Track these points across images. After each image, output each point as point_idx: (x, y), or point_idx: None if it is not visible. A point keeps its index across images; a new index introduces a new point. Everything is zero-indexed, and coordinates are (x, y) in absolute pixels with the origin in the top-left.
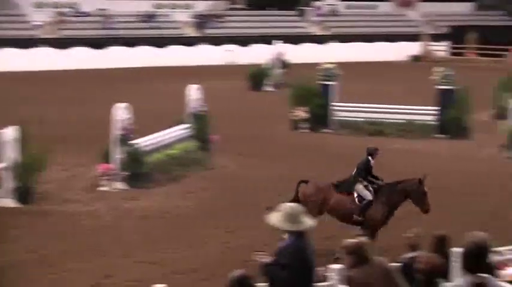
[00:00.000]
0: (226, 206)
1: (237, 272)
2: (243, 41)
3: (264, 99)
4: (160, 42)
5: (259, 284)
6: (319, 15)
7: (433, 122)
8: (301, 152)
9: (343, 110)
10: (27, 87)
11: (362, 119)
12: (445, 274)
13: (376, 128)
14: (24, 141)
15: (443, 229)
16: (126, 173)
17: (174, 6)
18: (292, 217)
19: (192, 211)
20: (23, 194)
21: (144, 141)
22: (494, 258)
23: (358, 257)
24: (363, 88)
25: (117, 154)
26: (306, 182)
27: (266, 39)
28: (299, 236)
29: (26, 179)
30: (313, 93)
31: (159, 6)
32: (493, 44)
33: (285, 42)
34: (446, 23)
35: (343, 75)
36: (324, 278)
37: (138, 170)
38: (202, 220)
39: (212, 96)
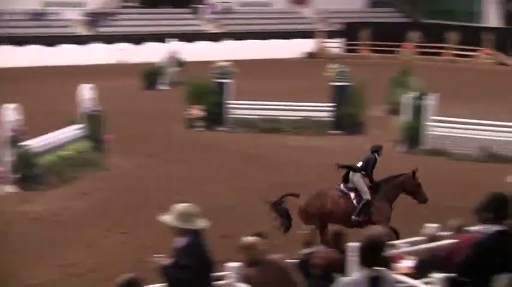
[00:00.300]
0: (122, 207)
1: (126, 276)
2: (136, 39)
3: (159, 98)
4: (50, 41)
5: (154, 285)
6: (213, 13)
7: (328, 118)
8: (197, 151)
9: (239, 108)
10: None
11: (258, 117)
12: (341, 269)
13: (271, 126)
14: None
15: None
16: (18, 176)
17: (64, 4)
18: (186, 216)
19: (87, 212)
20: None
21: (35, 143)
22: (390, 251)
23: (252, 256)
24: (258, 86)
25: (8, 156)
26: (295, 195)
27: (160, 38)
28: (195, 235)
29: None
30: (208, 91)
31: (48, 5)
32: (386, 40)
33: (179, 40)
34: (340, 20)
35: (238, 73)
36: None
37: (30, 172)
38: (97, 221)
39: (105, 96)
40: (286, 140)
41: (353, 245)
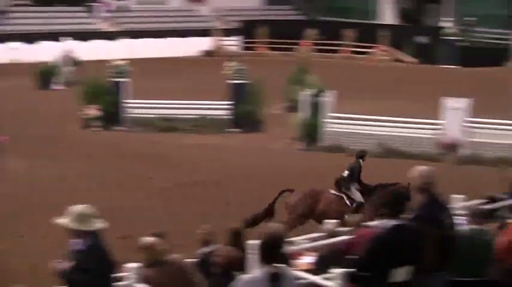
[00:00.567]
0: (16, 209)
1: None
2: (30, 38)
3: (53, 98)
4: None
5: None
6: (108, 11)
7: (226, 117)
8: (93, 151)
9: (136, 107)
10: None
11: (155, 116)
12: (241, 267)
13: (169, 124)
14: None
15: (238, 222)
16: None
17: None
18: (82, 218)
19: None
20: None
21: None
22: (289, 248)
23: (151, 256)
24: (155, 84)
25: None
26: (291, 191)
27: (54, 36)
28: (93, 237)
29: None
30: (104, 90)
31: None
32: (283, 38)
33: (74, 39)
34: (237, 17)
35: (135, 71)
36: None
37: None
38: None
39: None
40: (184, 139)
41: (252, 243)
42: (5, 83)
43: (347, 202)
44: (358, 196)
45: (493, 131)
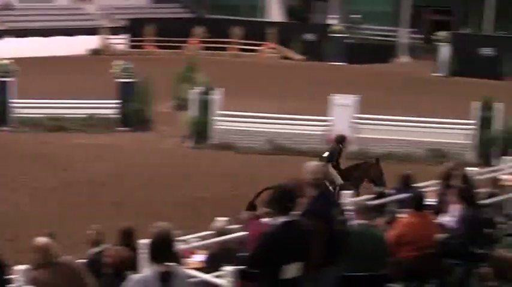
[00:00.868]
0: None
1: None
2: None
3: None
4: None
5: None
6: None
7: (115, 115)
8: None
9: (23, 107)
10: None
11: (43, 116)
12: (133, 266)
13: (57, 124)
14: None
15: (128, 222)
16: None
17: None
18: None
19: None
20: None
21: None
22: (180, 247)
23: (42, 257)
24: (42, 84)
25: None
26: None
27: None
28: None
29: None
30: None
31: None
32: (171, 36)
33: None
34: (124, 16)
35: (21, 71)
36: None
37: None
38: None
39: None
40: (72, 138)
41: (143, 242)
42: None
43: (330, 187)
44: (338, 179)
45: (380, 127)
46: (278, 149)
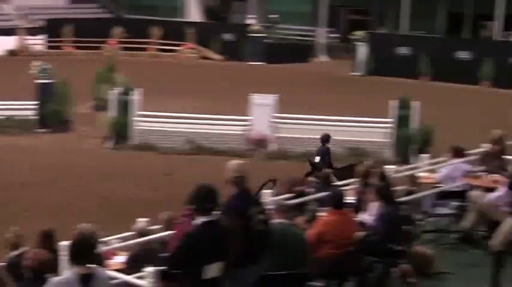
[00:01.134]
0: None
1: None
2: None
3: None
4: None
5: None
6: None
7: (33, 117)
8: None
9: None
10: None
11: None
12: (53, 269)
13: None
14: None
15: (47, 223)
16: None
17: None
18: None
19: None
20: None
21: None
22: (102, 248)
23: None
24: None
25: None
26: (273, 181)
27: None
28: None
29: None
30: None
31: None
32: (89, 36)
33: None
34: (42, 16)
35: None
36: None
37: None
38: None
39: None
40: None
41: (64, 244)
42: None
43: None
44: (333, 179)
45: (299, 126)
46: (198, 149)
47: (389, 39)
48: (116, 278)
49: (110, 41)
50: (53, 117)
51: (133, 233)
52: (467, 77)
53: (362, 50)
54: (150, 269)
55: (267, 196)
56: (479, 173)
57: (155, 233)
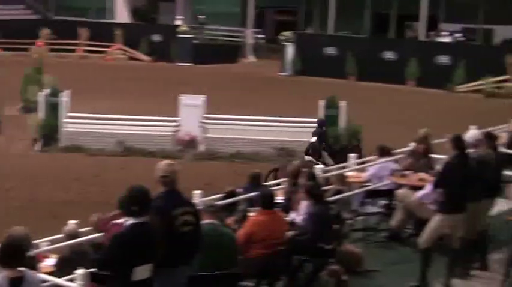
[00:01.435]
0: None
1: None
2: None
3: None
4: None
5: None
6: None
7: None
8: None
9: None
10: None
11: None
12: None
13: None
14: None
15: None
16: None
17: None
18: None
19: None
20: None
21: None
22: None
23: None
24: None
25: None
26: (276, 170)
27: None
28: None
29: None
30: None
31: None
32: (17, 38)
33: None
34: None
35: None
36: None
37: None
38: None
39: None
40: None
41: None
42: None
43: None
44: (330, 161)
45: (228, 127)
46: (128, 150)
47: (316, 39)
48: (46, 281)
49: (37, 42)
50: None
51: (63, 235)
52: (393, 76)
53: (289, 51)
54: (80, 271)
55: (196, 198)
56: (405, 172)
57: (85, 235)
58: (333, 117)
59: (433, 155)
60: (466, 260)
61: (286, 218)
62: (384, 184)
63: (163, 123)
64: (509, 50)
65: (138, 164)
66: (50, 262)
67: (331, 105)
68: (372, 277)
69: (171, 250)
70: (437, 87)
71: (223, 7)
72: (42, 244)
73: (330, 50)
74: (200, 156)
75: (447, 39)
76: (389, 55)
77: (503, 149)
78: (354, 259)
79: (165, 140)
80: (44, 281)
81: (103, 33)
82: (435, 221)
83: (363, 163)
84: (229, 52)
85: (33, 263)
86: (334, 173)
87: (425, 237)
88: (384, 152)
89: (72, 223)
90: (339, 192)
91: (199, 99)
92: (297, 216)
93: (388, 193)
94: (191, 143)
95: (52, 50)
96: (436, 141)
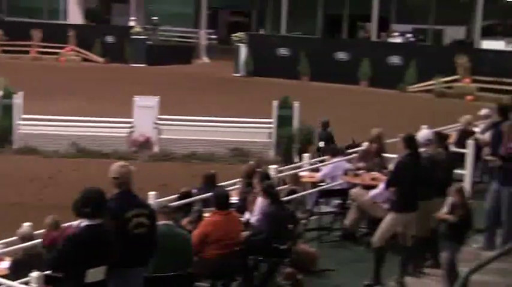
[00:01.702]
0: None
1: None
2: None
3: None
4: None
5: None
6: None
7: None
8: None
9: None
10: None
11: None
12: None
13: None
14: None
15: None
16: None
17: None
18: None
19: None
20: None
21: None
22: None
23: None
24: None
25: None
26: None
27: None
28: None
29: None
30: None
31: None
32: None
33: None
34: None
35: None
36: None
37: None
38: None
39: None
40: None
41: None
42: None
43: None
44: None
45: (183, 128)
46: (82, 152)
47: (269, 40)
48: (1, 284)
49: None
50: None
51: (18, 238)
52: (346, 77)
53: (242, 51)
54: (35, 274)
55: (152, 198)
56: (358, 171)
57: (40, 238)
58: (286, 118)
59: (385, 155)
60: (418, 258)
61: (241, 219)
62: (338, 183)
63: (117, 124)
64: (459, 50)
65: (93, 166)
66: (4, 265)
67: (285, 105)
68: (326, 277)
69: (125, 252)
70: (389, 88)
71: (177, 8)
72: None
73: (283, 51)
74: (155, 157)
75: (398, 40)
76: (341, 55)
77: (453, 149)
78: (308, 258)
79: (119, 142)
80: None
81: (56, 34)
82: (388, 220)
83: (319, 162)
84: (183, 53)
85: None
86: (288, 173)
87: (378, 236)
88: (337, 151)
89: (26, 225)
90: (293, 192)
91: (153, 100)
92: (252, 216)
93: (342, 193)
94: (145, 144)
95: (4, 52)
96: (389, 141)
